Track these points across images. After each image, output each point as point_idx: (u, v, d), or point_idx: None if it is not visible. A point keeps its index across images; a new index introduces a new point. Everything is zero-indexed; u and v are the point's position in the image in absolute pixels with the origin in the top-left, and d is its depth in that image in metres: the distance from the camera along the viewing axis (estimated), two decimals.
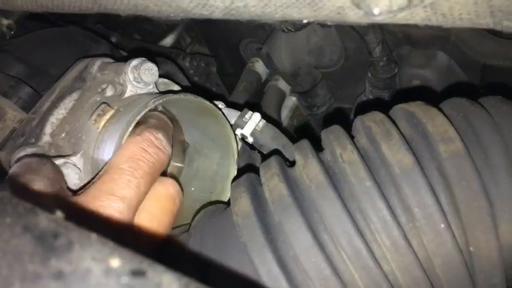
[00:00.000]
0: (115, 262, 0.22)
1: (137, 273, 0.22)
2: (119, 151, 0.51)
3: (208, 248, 0.50)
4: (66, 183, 0.54)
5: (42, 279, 0.21)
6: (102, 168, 0.51)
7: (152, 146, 0.50)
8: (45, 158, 0.55)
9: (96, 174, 0.52)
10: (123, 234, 0.45)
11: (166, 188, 0.52)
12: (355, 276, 0.44)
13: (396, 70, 0.93)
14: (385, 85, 0.95)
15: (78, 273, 0.22)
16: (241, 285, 0.46)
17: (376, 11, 0.37)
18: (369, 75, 0.95)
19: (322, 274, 0.44)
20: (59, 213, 0.26)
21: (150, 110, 0.57)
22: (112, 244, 0.24)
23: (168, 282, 0.22)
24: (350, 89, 1.09)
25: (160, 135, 0.52)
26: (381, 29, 0.87)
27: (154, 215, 0.50)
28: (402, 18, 0.39)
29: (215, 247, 0.50)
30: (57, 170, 0.53)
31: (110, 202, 0.45)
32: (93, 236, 0.24)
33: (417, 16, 0.39)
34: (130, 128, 0.55)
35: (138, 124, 0.55)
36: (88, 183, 0.52)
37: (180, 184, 0.55)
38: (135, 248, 0.24)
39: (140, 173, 0.48)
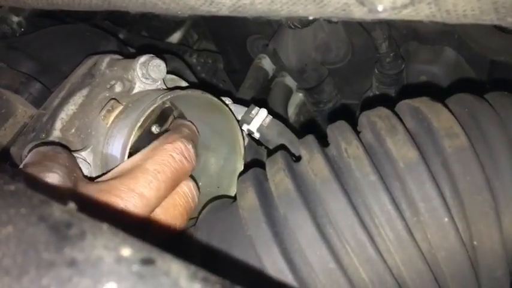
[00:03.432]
0: (126, 251, 0.23)
1: (147, 262, 0.23)
2: (147, 153, 0.51)
3: (215, 241, 0.51)
4: (81, 170, 0.55)
5: (56, 267, 0.22)
6: (119, 165, 0.52)
7: (180, 155, 0.51)
8: (59, 146, 0.56)
9: (113, 168, 0.52)
10: (137, 227, 0.46)
11: (181, 186, 0.53)
12: (359, 269, 0.45)
13: (403, 66, 0.93)
14: (392, 81, 0.95)
15: (90, 260, 0.23)
16: (248, 276, 0.47)
17: (380, 7, 0.37)
18: (376, 71, 0.95)
19: (327, 267, 0.45)
20: (72, 205, 0.27)
21: (162, 107, 0.58)
22: (123, 234, 0.25)
23: (176, 270, 0.23)
24: (357, 85, 1.09)
25: (190, 147, 0.53)
26: (388, 24, 0.87)
27: (167, 209, 0.51)
28: (407, 14, 0.40)
29: (221, 240, 0.51)
30: (72, 158, 0.54)
31: (129, 196, 0.46)
32: (105, 226, 0.25)
33: (422, 13, 0.40)
34: (139, 124, 0.56)
35: (168, 131, 0.57)
36: (103, 174, 0.53)
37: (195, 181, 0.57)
38: (148, 240, 0.24)
39: (163, 177, 0.49)
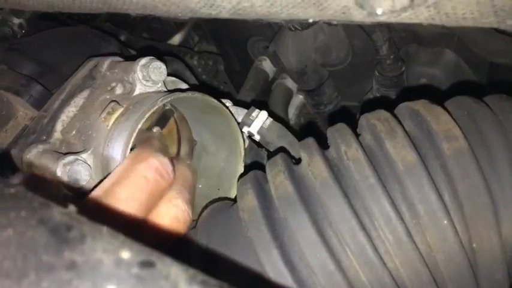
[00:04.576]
0: (125, 254, 0.23)
1: (147, 265, 0.23)
2: (119, 176, 0.46)
3: (215, 243, 0.51)
4: None
5: (56, 270, 0.22)
6: (100, 182, 0.48)
7: (155, 173, 0.47)
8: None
9: (96, 185, 0.48)
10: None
11: (168, 209, 0.48)
12: (359, 271, 0.45)
13: (403, 68, 0.93)
14: (392, 83, 0.95)
15: (90, 263, 0.23)
16: (248, 279, 0.47)
17: (379, 11, 0.37)
18: (376, 73, 0.95)
19: (327, 269, 0.45)
20: (72, 207, 0.27)
21: (162, 109, 0.58)
22: (122, 237, 0.25)
23: (176, 274, 0.23)
24: (357, 87, 1.09)
25: (166, 160, 0.48)
26: (388, 27, 0.87)
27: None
28: (406, 17, 0.40)
29: (221, 242, 0.51)
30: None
31: None
32: (105, 229, 0.25)
33: (421, 15, 0.40)
34: (140, 126, 0.56)
35: (141, 144, 0.53)
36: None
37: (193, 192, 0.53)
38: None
39: (136, 205, 0.44)
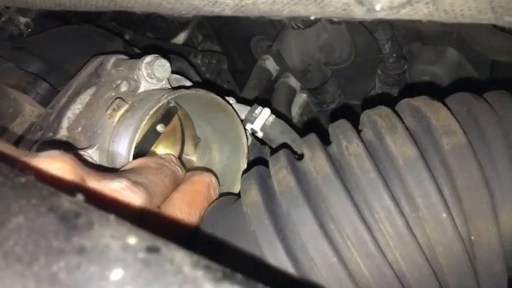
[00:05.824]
0: (132, 239, 0.24)
1: (152, 250, 0.24)
2: (144, 159, 0.54)
3: (219, 237, 0.52)
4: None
5: (65, 254, 0.23)
6: (124, 166, 0.53)
7: (172, 164, 0.56)
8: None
9: (118, 168, 0.53)
10: (145, 218, 0.47)
11: (202, 176, 0.57)
12: (360, 264, 0.46)
13: (406, 66, 0.94)
14: (394, 81, 0.96)
15: (98, 248, 0.24)
16: (251, 269, 0.48)
17: (377, 7, 0.38)
18: (379, 71, 0.96)
19: (329, 262, 0.45)
20: (80, 196, 0.28)
21: (166, 106, 0.59)
22: (129, 224, 0.26)
23: (180, 258, 0.24)
24: (360, 86, 1.10)
25: (179, 162, 0.58)
26: (391, 25, 0.88)
27: (187, 194, 0.54)
28: (405, 14, 0.41)
29: (225, 236, 0.52)
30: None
31: (133, 184, 0.47)
32: (112, 217, 0.26)
33: (420, 12, 0.41)
34: (144, 122, 0.57)
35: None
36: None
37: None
38: (156, 231, 0.25)
39: (166, 171, 0.53)
